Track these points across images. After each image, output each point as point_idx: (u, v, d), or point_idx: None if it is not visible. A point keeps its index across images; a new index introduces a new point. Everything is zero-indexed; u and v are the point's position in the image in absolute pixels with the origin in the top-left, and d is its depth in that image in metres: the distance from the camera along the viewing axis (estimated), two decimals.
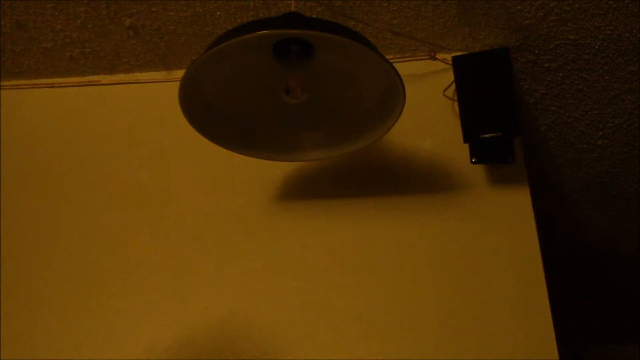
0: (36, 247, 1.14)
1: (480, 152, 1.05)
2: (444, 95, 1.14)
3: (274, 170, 1.14)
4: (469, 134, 1.03)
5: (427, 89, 1.15)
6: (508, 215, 1.06)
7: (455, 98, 1.10)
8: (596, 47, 1.11)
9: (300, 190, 1.13)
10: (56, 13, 1.10)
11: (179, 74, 1.24)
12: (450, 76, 1.11)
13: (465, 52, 1.13)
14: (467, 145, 1.07)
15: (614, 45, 1.11)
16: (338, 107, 0.92)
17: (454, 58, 1.09)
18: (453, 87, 1.12)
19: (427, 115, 1.14)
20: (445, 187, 1.09)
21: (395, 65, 0.75)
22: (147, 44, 1.18)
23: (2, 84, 1.30)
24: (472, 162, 1.05)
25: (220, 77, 0.83)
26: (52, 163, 1.21)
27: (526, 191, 1.07)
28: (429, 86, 1.15)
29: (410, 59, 1.17)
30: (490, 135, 1.01)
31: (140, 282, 1.08)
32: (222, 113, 0.89)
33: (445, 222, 1.07)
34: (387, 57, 1.09)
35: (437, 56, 1.16)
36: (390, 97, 0.82)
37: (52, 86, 1.29)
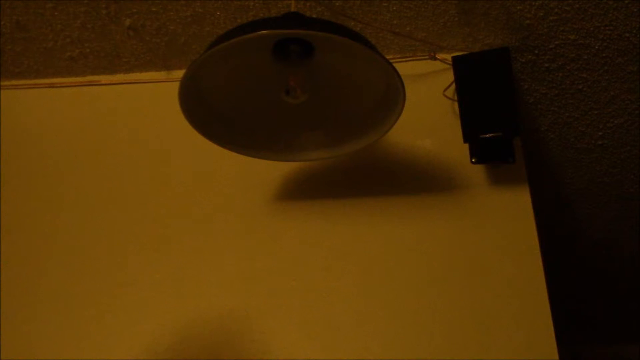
0: (36, 247, 1.14)
1: (480, 152, 1.05)
2: (444, 95, 1.14)
3: (274, 170, 1.14)
4: (469, 134, 1.03)
5: (427, 89, 1.15)
6: (508, 215, 1.06)
7: (455, 98, 1.10)
8: (596, 47, 1.11)
9: (300, 190, 1.13)
10: (56, 13, 1.10)
11: (179, 74, 1.24)
12: (450, 76, 1.11)
13: (465, 52, 1.13)
14: (467, 145, 1.07)
15: (614, 45, 1.11)
16: (338, 107, 0.92)
17: (454, 58, 1.09)
18: (453, 87, 1.12)
19: (427, 115, 1.14)
20: (445, 187, 1.09)
21: (395, 65, 0.75)
22: (147, 44, 1.18)
23: (2, 84, 1.30)
24: (472, 162, 1.05)
25: (220, 77, 0.83)
26: (52, 163, 1.21)
27: (526, 191, 1.07)
28: (429, 86, 1.15)
29: (410, 59, 1.17)
30: (490, 135, 1.01)
31: (140, 281, 1.08)
32: (222, 113, 0.89)
33: (445, 222, 1.07)
34: (387, 57, 1.09)
35: (437, 56, 1.16)
36: (390, 97, 0.82)
37: (52, 86, 1.29)
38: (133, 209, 1.15)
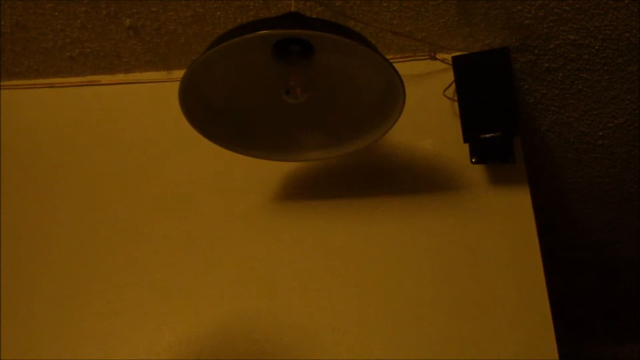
0: (36, 247, 1.14)
1: (480, 152, 1.05)
2: (444, 95, 1.14)
3: (274, 170, 1.14)
4: (469, 134, 1.03)
5: (427, 89, 1.15)
6: (508, 215, 1.06)
7: (455, 98, 1.10)
8: (596, 47, 1.11)
9: (300, 190, 1.13)
10: (56, 13, 1.10)
11: (179, 74, 1.23)
12: (450, 76, 1.11)
13: (465, 52, 1.13)
14: (467, 145, 1.07)
15: (614, 45, 1.11)
16: (338, 107, 0.92)
17: (454, 58, 1.09)
18: (453, 87, 1.12)
19: (427, 115, 1.14)
20: (445, 187, 1.09)
21: (395, 65, 0.75)
22: (147, 44, 1.18)
23: (2, 84, 1.30)
24: (472, 162, 1.05)
25: (220, 77, 0.83)
26: (52, 163, 1.21)
27: (526, 191, 1.07)
28: (429, 86, 1.15)
29: (410, 59, 1.17)
30: (490, 135, 1.01)
31: (140, 282, 1.08)
32: (222, 113, 0.89)
33: (445, 222, 1.06)
34: (387, 57, 1.09)
35: (437, 56, 1.16)
36: (390, 96, 0.82)
37: (52, 86, 1.29)
38: (133, 209, 1.15)
